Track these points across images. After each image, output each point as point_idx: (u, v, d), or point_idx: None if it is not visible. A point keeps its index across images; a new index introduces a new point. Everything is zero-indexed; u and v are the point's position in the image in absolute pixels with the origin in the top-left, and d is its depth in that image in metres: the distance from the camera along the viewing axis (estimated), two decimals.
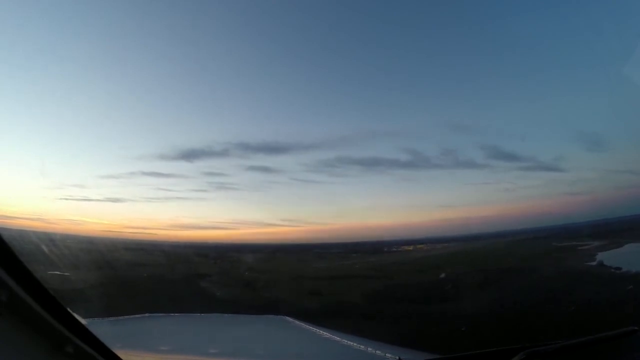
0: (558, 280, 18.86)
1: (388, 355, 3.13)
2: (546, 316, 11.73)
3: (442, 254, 39.84)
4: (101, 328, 3.97)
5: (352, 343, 3.83)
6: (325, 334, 4.31)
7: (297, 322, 5.19)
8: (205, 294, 18.99)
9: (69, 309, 1.22)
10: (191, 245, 51.32)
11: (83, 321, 1.38)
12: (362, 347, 3.67)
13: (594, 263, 23.39)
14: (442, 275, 25.25)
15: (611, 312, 10.21)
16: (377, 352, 3.38)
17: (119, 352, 1.46)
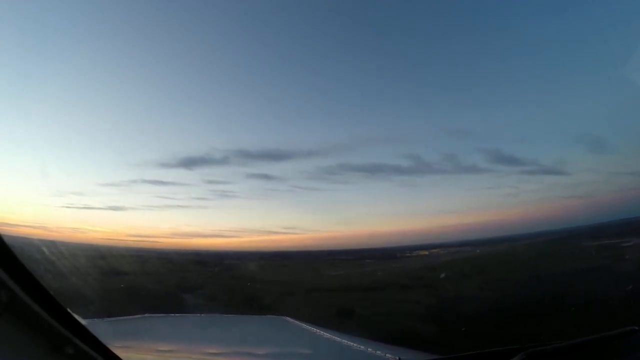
0: (560, 281, 18.86)
1: (388, 355, 3.13)
2: (546, 317, 11.75)
3: (463, 258, 37.66)
4: (101, 328, 3.97)
5: (352, 343, 3.83)
6: (325, 334, 4.31)
7: (297, 322, 5.19)
8: (197, 310, 15.11)
9: (68, 309, 1.22)
10: (190, 253, 50.28)
11: (83, 321, 1.38)
12: (362, 347, 3.66)
13: (595, 264, 23.39)
14: (481, 281, 22.61)
15: (611, 312, 10.20)
16: (377, 352, 3.38)
17: (118, 352, 1.46)
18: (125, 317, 5.26)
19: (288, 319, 5.61)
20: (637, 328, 1.91)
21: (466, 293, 19.82)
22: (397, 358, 2.96)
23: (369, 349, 3.54)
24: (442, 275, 25.80)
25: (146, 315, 5.49)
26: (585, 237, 36.76)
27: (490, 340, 9.27)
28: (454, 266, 32.04)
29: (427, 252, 48.60)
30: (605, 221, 45.77)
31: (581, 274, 20.26)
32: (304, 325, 4.93)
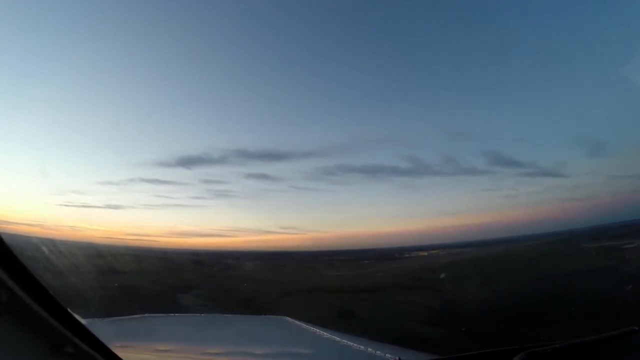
0: (559, 282, 18.88)
1: (388, 355, 3.12)
2: (546, 317, 11.76)
3: (462, 259, 37.31)
4: (101, 328, 3.96)
5: (352, 343, 3.83)
6: (325, 334, 4.31)
7: (297, 322, 5.19)
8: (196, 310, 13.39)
9: (68, 309, 1.22)
10: (189, 252, 49.82)
11: (83, 321, 1.38)
12: (362, 347, 3.66)
13: (594, 266, 23.38)
14: (480, 282, 22.41)
15: (611, 312, 10.21)
16: (377, 352, 3.38)
17: (118, 352, 1.46)
18: (124, 317, 5.25)
19: (288, 319, 5.60)
20: (637, 328, 1.91)
21: (466, 294, 19.78)
22: (397, 358, 2.96)
23: (369, 349, 3.54)
24: (442, 276, 25.76)
25: (146, 315, 5.48)
26: (585, 239, 36.73)
27: (490, 341, 9.30)
28: (453, 267, 31.96)
29: (426, 253, 48.39)
30: (605, 223, 45.76)
31: (581, 275, 20.27)
32: (304, 325, 4.92)
